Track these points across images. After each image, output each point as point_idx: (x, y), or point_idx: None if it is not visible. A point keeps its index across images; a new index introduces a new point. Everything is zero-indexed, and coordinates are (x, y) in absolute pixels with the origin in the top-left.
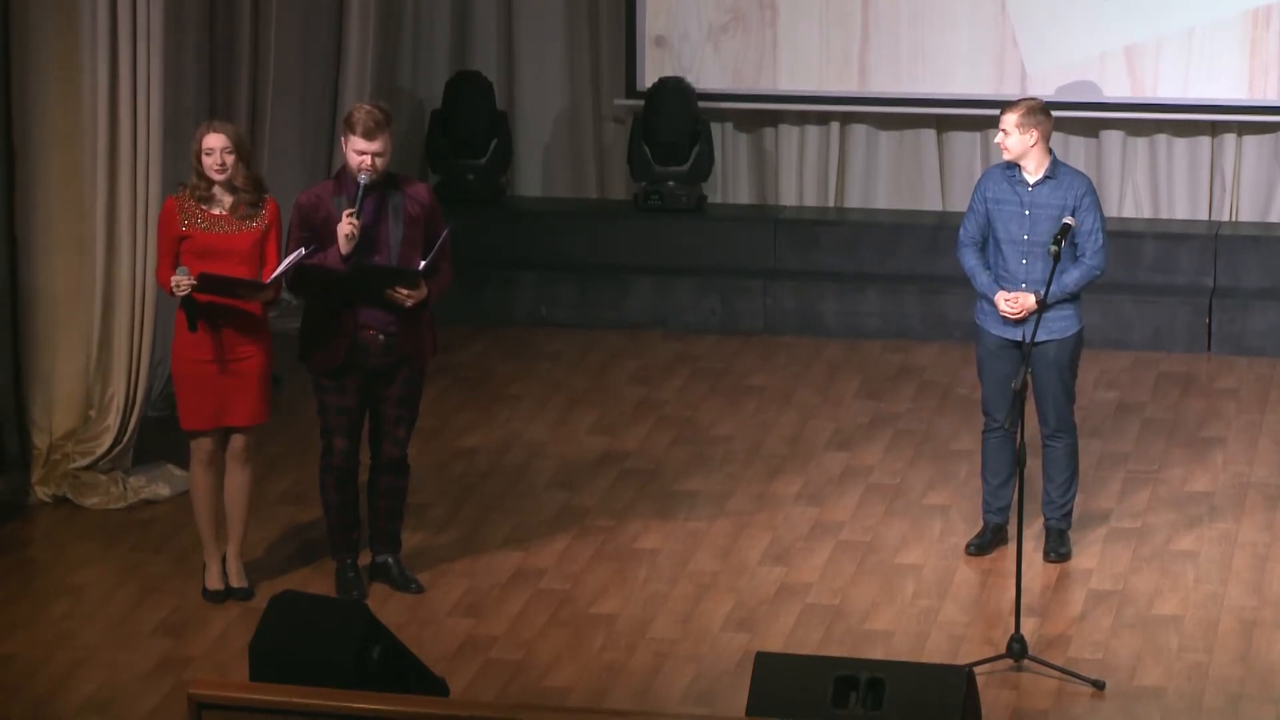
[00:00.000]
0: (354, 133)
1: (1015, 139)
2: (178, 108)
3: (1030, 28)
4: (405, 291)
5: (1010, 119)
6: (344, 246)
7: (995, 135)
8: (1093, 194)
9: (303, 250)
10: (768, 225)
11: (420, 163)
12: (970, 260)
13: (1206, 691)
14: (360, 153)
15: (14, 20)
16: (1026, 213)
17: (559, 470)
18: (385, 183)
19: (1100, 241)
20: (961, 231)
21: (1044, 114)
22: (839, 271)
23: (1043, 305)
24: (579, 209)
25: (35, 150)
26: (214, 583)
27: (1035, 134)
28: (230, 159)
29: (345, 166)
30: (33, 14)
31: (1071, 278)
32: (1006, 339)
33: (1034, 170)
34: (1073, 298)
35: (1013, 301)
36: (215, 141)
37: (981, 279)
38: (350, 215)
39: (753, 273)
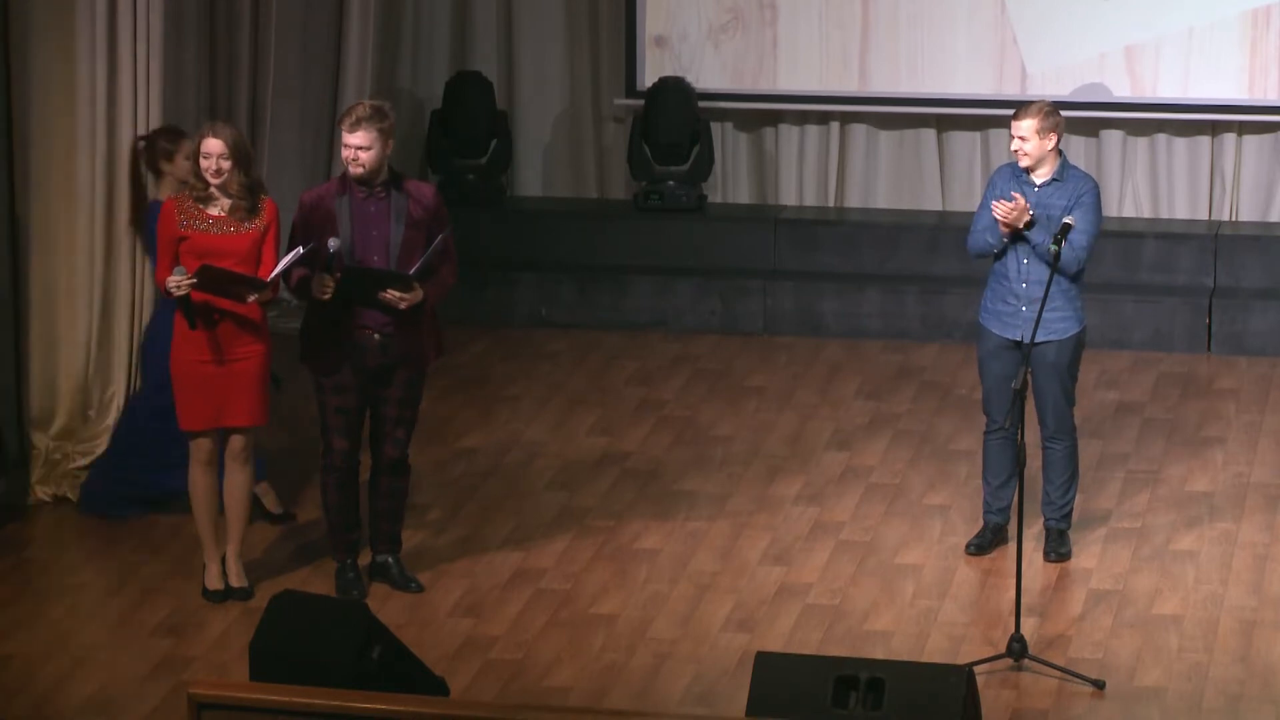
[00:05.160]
0: (340, 126)
1: (1035, 144)
2: (178, 108)
3: (1030, 28)
4: (397, 294)
5: (1029, 125)
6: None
7: (1012, 143)
8: (1093, 195)
9: (300, 249)
10: (768, 225)
11: (420, 163)
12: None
13: (1206, 691)
14: (344, 146)
15: (14, 21)
16: (1032, 213)
17: (559, 470)
18: (389, 183)
19: (1084, 241)
20: (973, 225)
21: (1058, 115)
22: (839, 271)
23: (1043, 306)
24: (579, 209)
25: (35, 150)
26: (214, 583)
27: (1054, 137)
28: (226, 165)
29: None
30: (33, 15)
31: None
32: (1007, 339)
33: (1044, 173)
34: (1072, 299)
35: (1009, 207)
36: (212, 147)
37: (984, 222)
38: (326, 285)
39: (753, 273)
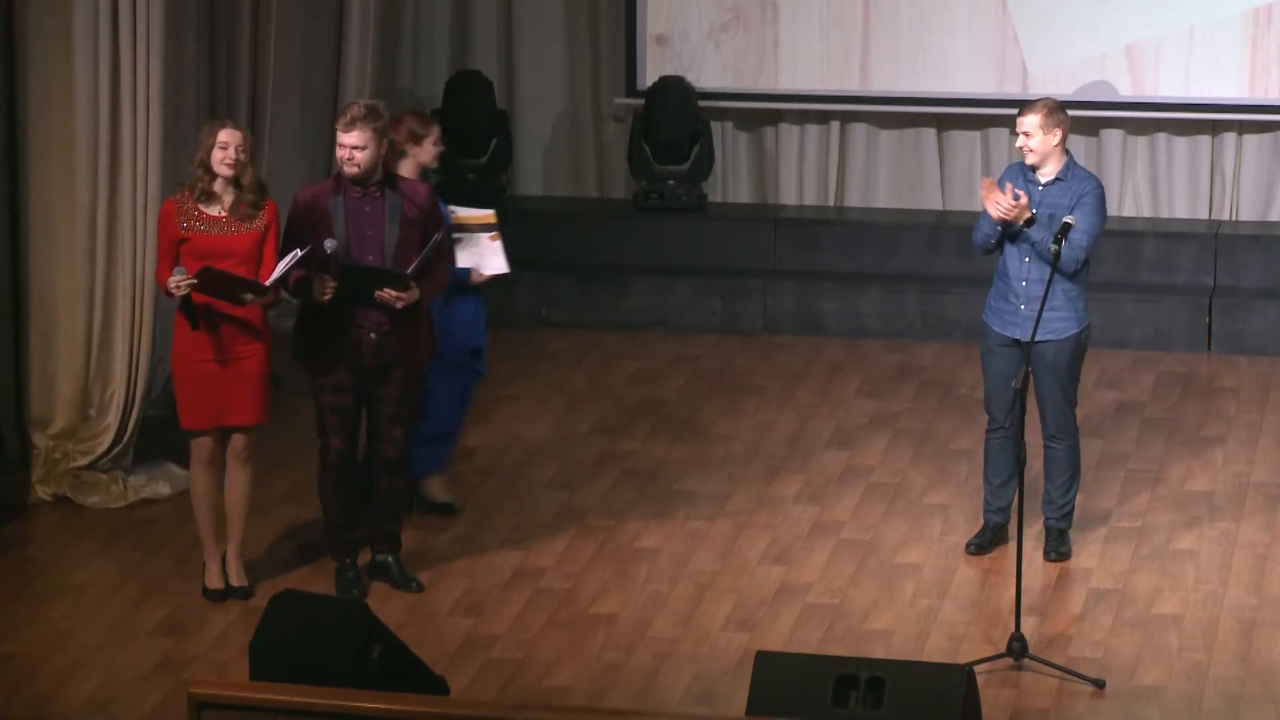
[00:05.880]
0: (336, 125)
1: (1039, 140)
2: (178, 108)
3: (1031, 26)
4: (394, 293)
5: (1032, 120)
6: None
7: (1017, 139)
8: (1095, 195)
9: (298, 252)
10: (768, 225)
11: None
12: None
13: (1206, 691)
14: (339, 146)
15: (14, 21)
16: (1034, 210)
17: (559, 470)
18: (384, 182)
19: (1083, 241)
20: (979, 221)
21: (1063, 112)
22: (839, 271)
23: (1043, 306)
24: (579, 208)
25: (36, 150)
26: (214, 582)
27: (1058, 133)
28: (244, 156)
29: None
30: (33, 15)
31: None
32: (1007, 337)
33: (1049, 171)
34: (1071, 300)
35: (1009, 204)
36: (231, 137)
37: (988, 217)
38: (327, 287)
39: (753, 273)
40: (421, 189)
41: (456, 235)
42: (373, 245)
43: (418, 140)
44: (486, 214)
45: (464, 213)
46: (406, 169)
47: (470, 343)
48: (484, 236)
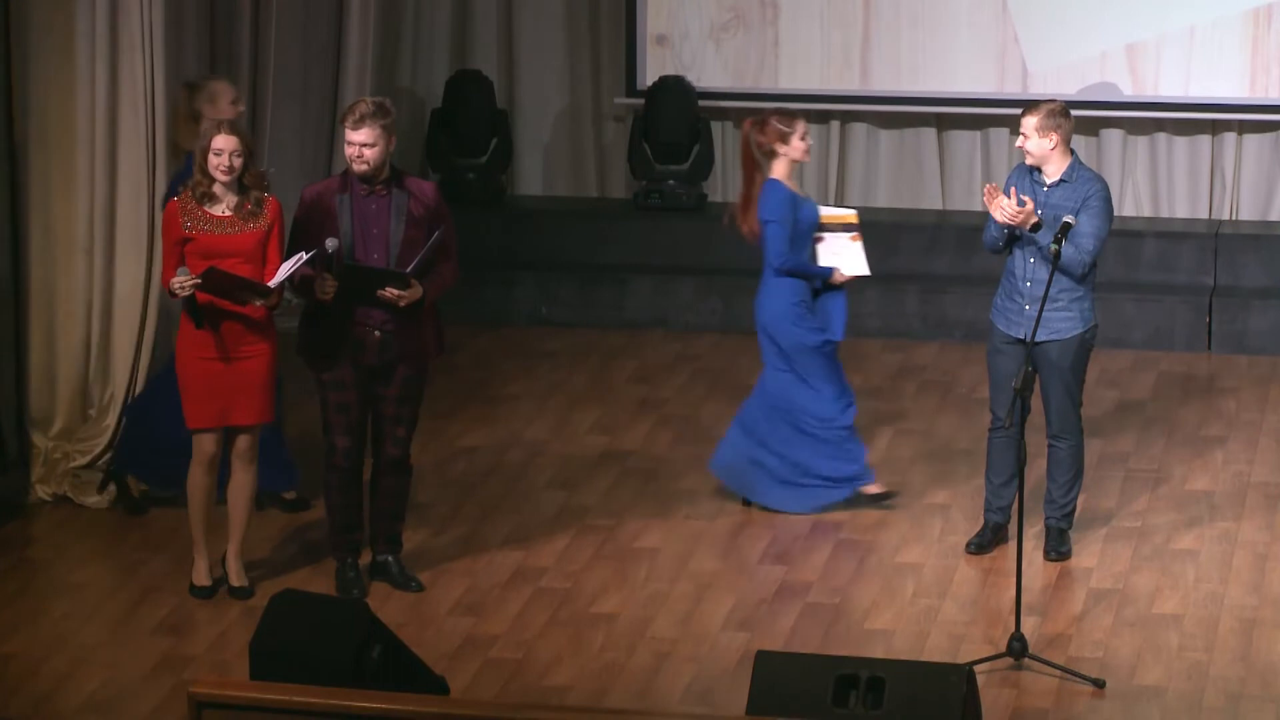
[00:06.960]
0: (344, 123)
1: (1035, 142)
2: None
3: (1031, 26)
4: (396, 292)
5: (1030, 122)
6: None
7: (1017, 139)
8: (1101, 197)
9: (303, 255)
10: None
11: (420, 162)
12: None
13: (1206, 691)
14: (348, 144)
15: (14, 20)
16: (1039, 213)
17: (559, 470)
18: (390, 180)
19: (1090, 245)
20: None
21: (1064, 116)
22: None
23: (1043, 306)
24: (579, 208)
25: (36, 150)
26: (201, 579)
27: (1055, 137)
28: (239, 162)
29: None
30: (33, 14)
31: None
32: (1011, 336)
33: (1053, 173)
34: (1075, 300)
35: (1014, 210)
36: (226, 144)
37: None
38: (328, 286)
39: (753, 272)
40: (428, 187)
41: (818, 234)
42: (378, 243)
43: (785, 139)
44: (848, 214)
45: (827, 212)
46: (780, 169)
47: (833, 336)
48: (845, 236)
